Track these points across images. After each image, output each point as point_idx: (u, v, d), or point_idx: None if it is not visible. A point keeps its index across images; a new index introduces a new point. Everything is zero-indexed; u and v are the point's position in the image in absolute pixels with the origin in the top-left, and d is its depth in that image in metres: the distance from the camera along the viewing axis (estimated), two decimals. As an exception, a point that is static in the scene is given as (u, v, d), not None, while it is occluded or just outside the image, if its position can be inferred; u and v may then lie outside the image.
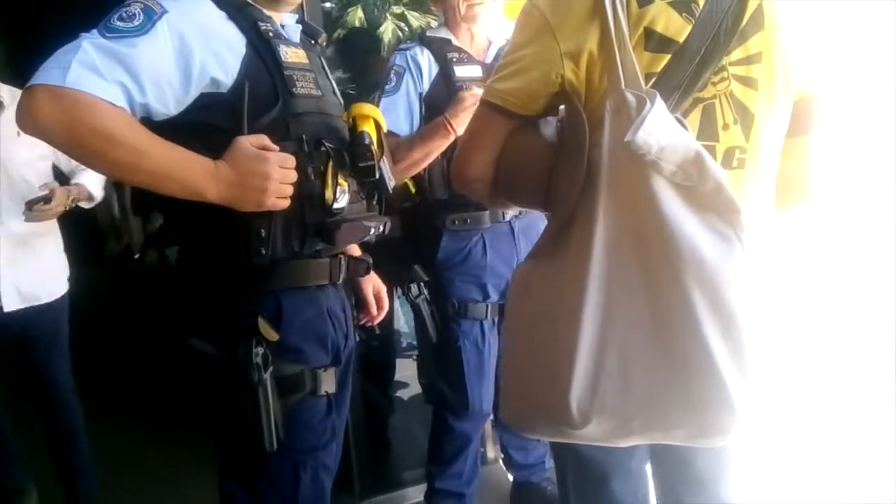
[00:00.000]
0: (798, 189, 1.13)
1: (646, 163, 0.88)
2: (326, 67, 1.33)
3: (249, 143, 1.07)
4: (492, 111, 1.06)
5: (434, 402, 2.01)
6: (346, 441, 2.30)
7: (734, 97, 1.01)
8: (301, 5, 1.52)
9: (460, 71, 1.82)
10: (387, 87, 1.83)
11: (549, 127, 1.08)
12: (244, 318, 1.13)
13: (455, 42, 1.89)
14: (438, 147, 1.73)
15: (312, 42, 1.32)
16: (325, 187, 1.16)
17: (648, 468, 1.22)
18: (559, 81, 1.00)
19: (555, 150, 1.05)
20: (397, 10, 10.23)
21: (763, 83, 1.01)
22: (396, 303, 2.73)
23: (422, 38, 1.93)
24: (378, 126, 1.25)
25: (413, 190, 1.86)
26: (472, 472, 2.00)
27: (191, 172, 1.04)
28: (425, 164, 1.75)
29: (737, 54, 1.00)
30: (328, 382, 1.21)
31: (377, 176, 1.23)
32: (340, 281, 1.28)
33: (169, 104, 1.06)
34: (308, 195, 1.15)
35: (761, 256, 1.06)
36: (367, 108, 1.24)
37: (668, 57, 0.96)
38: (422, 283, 1.87)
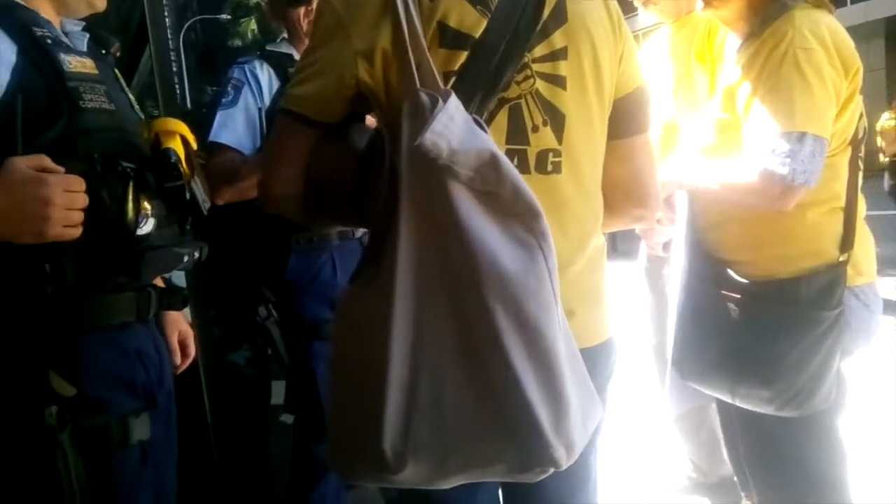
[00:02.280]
0: (631, 194, 1.09)
1: (441, 168, 0.80)
2: (122, 79, 1.24)
3: (25, 164, 0.95)
4: (292, 120, 0.97)
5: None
6: (213, 476, 2.20)
7: (541, 96, 0.96)
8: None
9: None
10: (224, 100, 1.76)
11: (362, 134, 1.00)
12: (31, 371, 1.00)
13: (297, 57, 1.84)
14: None
15: (103, 52, 1.22)
16: (126, 212, 1.06)
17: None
18: (354, 84, 0.92)
19: (361, 160, 0.96)
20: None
21: (572, 81, 0.97)
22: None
23: (261, 53, 1.88)
24: (186, 143, 1.18)
25: None
26: (337, 496, 1.94)
27: None
28: None
29: (539, 50, 0.95)
30: (141, 430, 1.11)
31: (188, 197, 1.16)
32: (151, 317, 1.18)
33: None
34: (104, 222, 1.05)
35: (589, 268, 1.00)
36: (171, 124, 1.17)
37: (465, 54, 0.91)
38: (269, 305, 1.80)
